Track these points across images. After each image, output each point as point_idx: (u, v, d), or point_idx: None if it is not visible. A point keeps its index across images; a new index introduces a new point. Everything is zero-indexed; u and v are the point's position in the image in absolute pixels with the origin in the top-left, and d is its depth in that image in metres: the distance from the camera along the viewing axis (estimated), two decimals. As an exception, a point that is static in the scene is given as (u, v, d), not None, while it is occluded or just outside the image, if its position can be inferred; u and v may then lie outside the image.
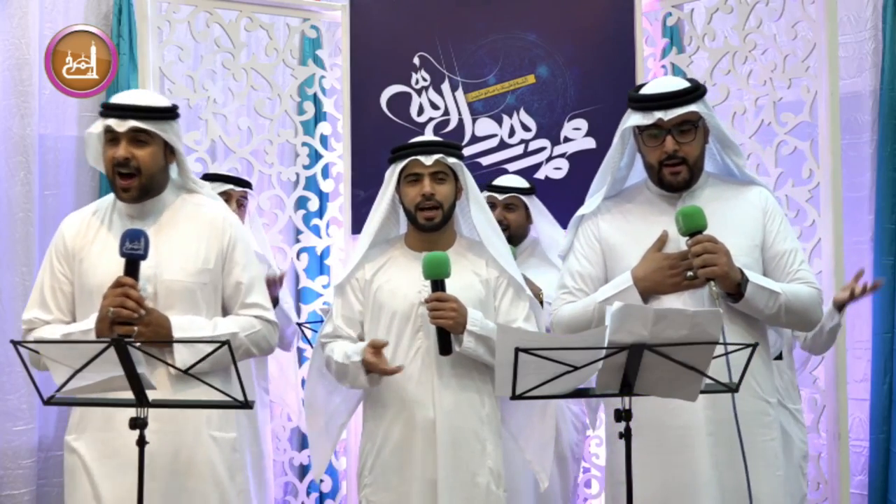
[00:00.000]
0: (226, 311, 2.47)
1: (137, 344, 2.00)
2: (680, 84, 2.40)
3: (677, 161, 2.36)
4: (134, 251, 2.22)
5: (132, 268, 2.23)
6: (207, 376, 2.10)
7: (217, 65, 3.98)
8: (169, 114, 2.41)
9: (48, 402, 2.02)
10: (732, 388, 2.01)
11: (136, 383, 1.97)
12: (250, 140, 3.97)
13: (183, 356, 2.20)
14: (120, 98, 2.43)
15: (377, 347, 2.49)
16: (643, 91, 2.42)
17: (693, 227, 2.26)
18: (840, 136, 3.53)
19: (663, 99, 2.35)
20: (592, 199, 2.54)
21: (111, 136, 2.37)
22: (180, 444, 2.30)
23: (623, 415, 2.01)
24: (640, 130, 2.41)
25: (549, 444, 2.74)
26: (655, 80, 2.53)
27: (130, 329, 2.22)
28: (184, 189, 2.52)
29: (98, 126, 2.40)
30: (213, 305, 2.43)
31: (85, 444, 2.32)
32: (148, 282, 2.32)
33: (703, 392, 2.00)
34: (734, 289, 2.27)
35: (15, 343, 2.00)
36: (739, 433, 2.15)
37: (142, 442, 2.01)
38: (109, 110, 2.38)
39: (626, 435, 2.02)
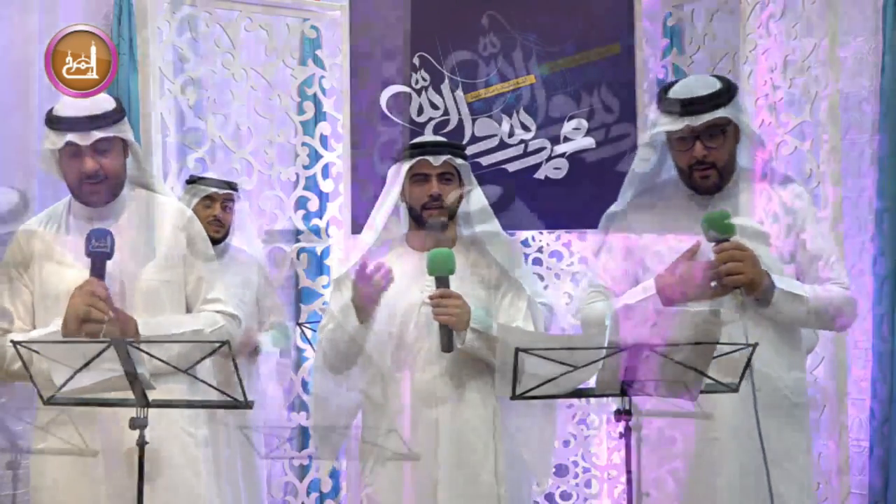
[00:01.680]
0: (188, 308, 2.47)
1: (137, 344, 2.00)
2: (710, 86, 2.35)
3: (707, 166, 2.34)
4: (100, 249, 2.21)
5: (99, 266, 2.22)
6: (181, 374, 2.08)
7: (217, 65, 3.98)
8: (122, 113, 2.40)
9: (48, 401, 2.02)
10: (732, 389, 2.01)
11: (136, 383, 1.97)
12: (250, 140, 3.97)
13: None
14: (70, 110, 2.33)
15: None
16: (672, 93, 2.38)
17: (719, 234, 2.24)
18: (840, 136, 3.52)
19: (692, 104, 2.31)
20: (624, 197, 2.53)
21: (73, 150, 2.33)
22: (155, 439, 2.19)
23: (623, 415, 2.01)
24: (668, 134, 2.40)
25: (549, 446, 2.73)
26: (686, 80, 2.45)
27: (99, 327, 2.19)
28: (137, 184, 2.51)
29: (58, 142, 2.32)
30: (176, 303, 2.43)
31: (51, 456, 2.31)
32: (113, 281, 2.30)
33: (703, 392, 2.00)
34: (762, 295, 2.25)
35: (15, 343, 2.00)
36: (761, 438, 2.16)
37: (142, 442, 2.01)
38: (65, 124, 2.31)
39: (626, 435, 2.02)
